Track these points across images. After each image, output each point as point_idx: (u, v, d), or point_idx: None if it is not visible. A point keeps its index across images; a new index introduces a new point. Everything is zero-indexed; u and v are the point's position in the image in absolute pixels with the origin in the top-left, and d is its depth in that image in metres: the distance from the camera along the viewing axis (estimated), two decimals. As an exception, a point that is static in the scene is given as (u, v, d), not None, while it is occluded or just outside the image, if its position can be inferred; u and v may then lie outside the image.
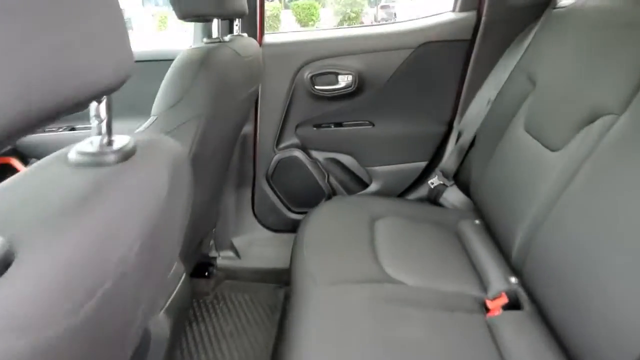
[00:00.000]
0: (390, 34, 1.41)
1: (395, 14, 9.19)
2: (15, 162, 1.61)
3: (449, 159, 1.40)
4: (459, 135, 1.41)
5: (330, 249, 1.11)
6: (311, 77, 1.41)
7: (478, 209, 1.23)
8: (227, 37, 1.01)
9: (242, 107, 1.10)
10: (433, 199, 1.43)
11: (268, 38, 1.41)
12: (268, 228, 1.62)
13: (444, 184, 1.40)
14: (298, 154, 1.52)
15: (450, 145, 1.47)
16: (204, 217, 1.25)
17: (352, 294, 0.93)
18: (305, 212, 1.59)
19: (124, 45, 0.34)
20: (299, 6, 9.68)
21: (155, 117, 0.83)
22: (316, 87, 1.42)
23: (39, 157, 1.62)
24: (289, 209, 1.60)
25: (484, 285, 0.99)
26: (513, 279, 0.97)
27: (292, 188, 1.57)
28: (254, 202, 1.59)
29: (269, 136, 1.50)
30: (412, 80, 1.42)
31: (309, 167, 1.53)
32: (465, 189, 1.36)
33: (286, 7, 9.74)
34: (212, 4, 0.86)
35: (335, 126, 1.50)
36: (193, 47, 0.89)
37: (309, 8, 9.65)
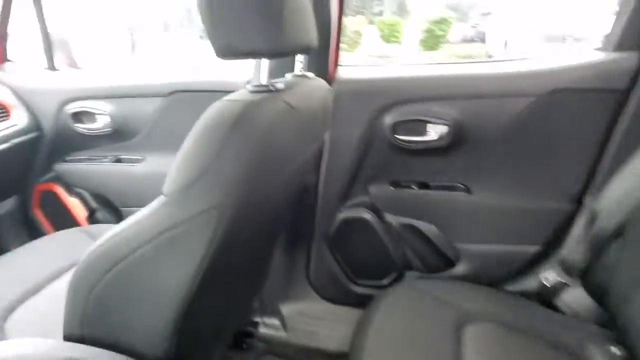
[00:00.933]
0: (504, 75, 1.06)
1: (485, 34, 8.58)
2: (59, 190, 1.49)
3: (575, 248, 1.01)
4: (592, 218, 1.02)
5: None
6: (393, 125, 1.11)
7: (618, 330, 0.85)
8: (283, 82, 0.74)
9: (295, 177, 0.82)
10: (546, 298, 1.06)
11: (343, 73, 1.13)
12: (323, 298, 1.34)
13: (564, 282, 1.02)
14: (368, 215, 1.21)
15: (577, 230, 1.08)
16: (243, 299, 1.00)
17: None
18: (370, 286, 1.29)
19: None
20: (383, 22, 9.44)
21: (164, 200, 0.58)
22: (398, 137, 1.11)
23: (83, 187, 1.47)
24: (351, 280, 1.30)
25: None
26: None
27: (357, 255, 1.27)
28: (309, 266, 1.32)
29: (334, 190, 1.21)
30: (530, 138, 1.06)
31: (380, 232, 1.22)
32: (597, 294, 0.97)
33: (371, 22, 9.54)
34: (259, 37, 0.60)
35: (419, 187, 1.18)
36: (228, 98, 0.62)
37: (393, 25, 9.37)
